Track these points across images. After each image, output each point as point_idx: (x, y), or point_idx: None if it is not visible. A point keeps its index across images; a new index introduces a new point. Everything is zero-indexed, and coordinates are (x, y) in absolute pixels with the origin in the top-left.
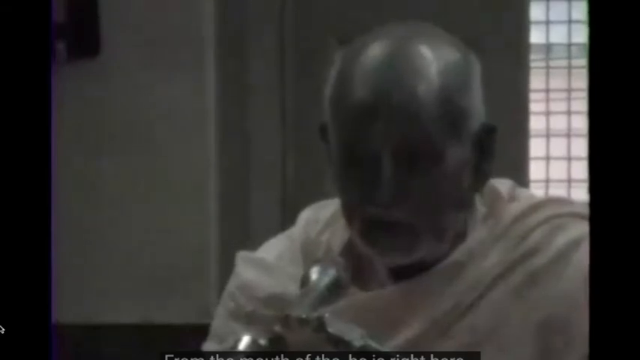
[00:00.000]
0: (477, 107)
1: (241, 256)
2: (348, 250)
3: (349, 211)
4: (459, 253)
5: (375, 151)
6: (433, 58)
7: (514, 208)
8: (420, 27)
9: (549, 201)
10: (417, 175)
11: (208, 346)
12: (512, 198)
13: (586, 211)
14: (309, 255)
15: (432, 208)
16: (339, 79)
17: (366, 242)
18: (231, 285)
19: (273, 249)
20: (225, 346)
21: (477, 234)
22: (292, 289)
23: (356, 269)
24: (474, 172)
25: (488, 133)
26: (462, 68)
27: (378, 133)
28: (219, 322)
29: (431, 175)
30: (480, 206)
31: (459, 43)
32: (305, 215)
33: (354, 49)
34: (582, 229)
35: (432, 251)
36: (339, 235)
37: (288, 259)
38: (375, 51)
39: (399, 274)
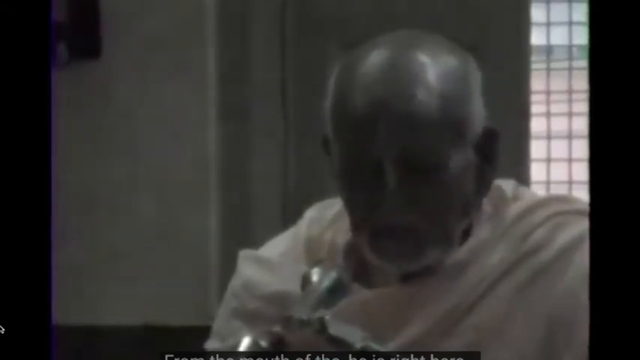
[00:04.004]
0: (479, 112)
1: (244, 254)
2: (352, 248)
3: (356, 221)
4: (463, 252)
5: (378, 162)
6: (432, 66)
7: (517, 207)
8: (417, 34)
9: (552, 199)
10: (420, 183)
11: (211, 344)
12: (516, 197)
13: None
14: (312, 253)
15: (438, 215)
16: (338, 92)
17: (374, 252)
18: (234, 283)
19: (276, 247)
20: (226, 346)
21: (481, 233)
22: (295, 287)
23: (360, 268)
24: (477, 177)
25: (490, 137)
26: (461, 74)
27: (380, 143)
28: (221, 320)
29: (435, 183)
30: (486, 205)
31: (457, 48)
32: (309, 214)
33: (352, 60)
34: (585, 226)
35: (438, 257)
36: (343, 233)
37: (291, 257)
38: (373, 61)
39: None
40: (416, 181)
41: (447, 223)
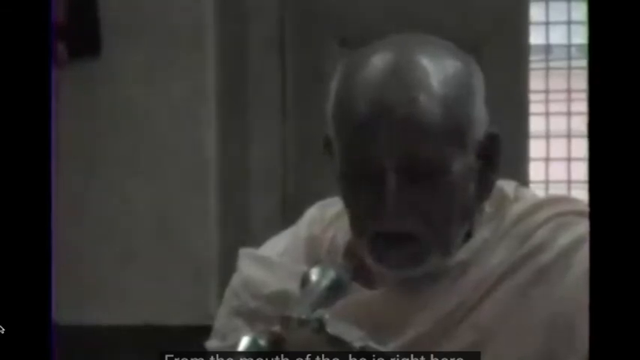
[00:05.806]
0: (481, 116)
1: (244, 253)
2: (353, 248)
3: (357, 225)
4: (463, 253)
5: (380, 166)
6: (434, 70)
7: (518, 207)
8: (420, 37)
9: (553, 200)
10: (422, 187)
11: (211, 344)
12: (517, 198)
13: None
14: (313, 252)
15: (439, 220)
16: (340, 94)
17: (374, 257)
18: (234, 282)
19: (277, 246)
20: (227, 344)
21: (482, 234)
22: (295, 286)
23: (361, 267)
24: (479, 180)
25: (492, 141)
26: (463, 79)
27: (381, 147)
28: (222, 319)
29: (436, 188)
30: (487, 206)
31: (460, 52)
32: (310, 213)
33: (354, 63)
34: (586, 227)
35: (439, 262)
36: (343, 233)
37: (291, 256)
38: (375, 64)
39: None
40: (417, 186)
41: (448, 228)
